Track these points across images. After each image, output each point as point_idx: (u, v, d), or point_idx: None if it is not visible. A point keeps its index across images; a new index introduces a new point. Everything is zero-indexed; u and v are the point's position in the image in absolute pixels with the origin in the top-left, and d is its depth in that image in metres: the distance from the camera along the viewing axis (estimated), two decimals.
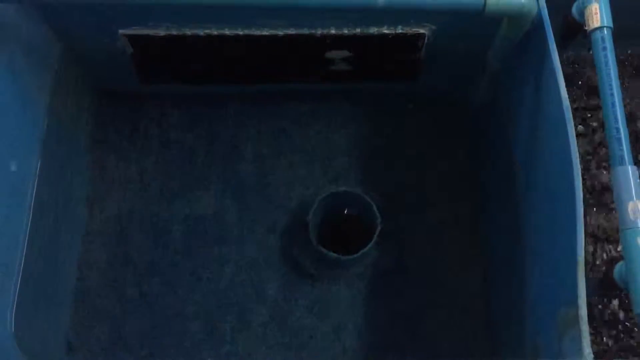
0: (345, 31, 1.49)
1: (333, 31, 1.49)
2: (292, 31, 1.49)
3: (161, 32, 1.47)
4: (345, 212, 1.65)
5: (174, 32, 1.47)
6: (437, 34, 1.49)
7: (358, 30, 1.49)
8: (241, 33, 1.48)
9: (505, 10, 1.15)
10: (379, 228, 1.55)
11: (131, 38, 1.49)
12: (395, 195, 1.70)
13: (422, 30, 1.48)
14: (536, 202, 1.29)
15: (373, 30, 1.49)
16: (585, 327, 0.98)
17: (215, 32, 1.48)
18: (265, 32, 1.49)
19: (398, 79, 1.68)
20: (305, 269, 1.63)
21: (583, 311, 0.98)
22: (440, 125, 1.76)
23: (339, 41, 1.52)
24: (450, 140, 1.75)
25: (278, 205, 1.70)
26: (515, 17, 1.18)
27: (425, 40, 1.51)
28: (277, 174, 1.73)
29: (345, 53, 1.57)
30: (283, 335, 1.60)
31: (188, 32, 1.48)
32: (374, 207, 1.58)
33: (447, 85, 1.69)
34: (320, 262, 1.62)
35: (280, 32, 1.49)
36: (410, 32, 1.49)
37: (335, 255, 1.53)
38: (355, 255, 1.53)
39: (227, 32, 1.48)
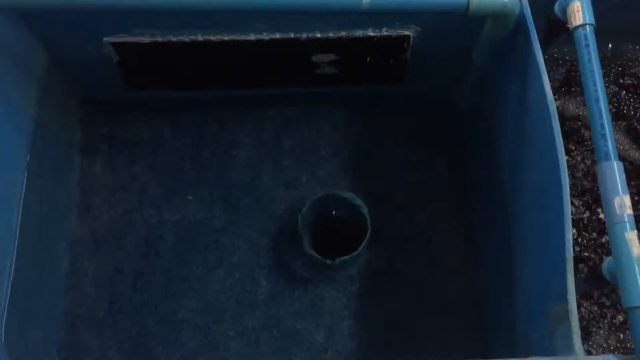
0: (331, 34, 1.49)
1: (318, 35, 1.49)
2: (277, 36, 1.49)
3: (146, 39, 1.47)
4: (334, 213, 1.64)
5: (159, 39, 1.47)
6: (423, 35, 1.49)
7: (343, 33, 1.49)
8: (227, 38, 1.48)
9: (488, 10, 1.16)
10: (369, 232, 1.55)
11: (116, 45, 1.49)
12: (386, 197, 1.70)
13: (407, 32, 1.49)
14: (524, 201, 1.30)
15: (358, 33, 1.49)
16: (575, 322, 0.98)
17: (200, 38, 1.48)
18: (250, 37, 1.49)
19: (385, 81, 1.68)
20: (297, 273, 1.63)
21: (573, 306, 0.99)
22: (430, 126, 1.76)
23: (324, 45, 1.52)
24: (440, 140, 1.75)
25: (269, 210, 1.70)
26: (498, 17, 1.19)
27: (411, 42, 1.52)
28: (267, 179, 1.73)
29: (331, 56, 1.57)
30: (277, 340, 1.60)
31: (173, 38, 1.47)
32: (364, 210, 1.58)
33: (434, 86, 1.70)
34: (312, 266, 1.62)
35: (266, 37, 1.49)
36: (396, 34, 1.49)
37: (325, 259, 1.53)
38: (345, 259, 1.53)
39: (212, 37, 1.48)
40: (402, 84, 1.68)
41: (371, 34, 1.50)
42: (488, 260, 1.58)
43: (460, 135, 1.74)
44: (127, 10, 1.39)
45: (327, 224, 1.70)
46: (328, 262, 1.53)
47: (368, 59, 1.58)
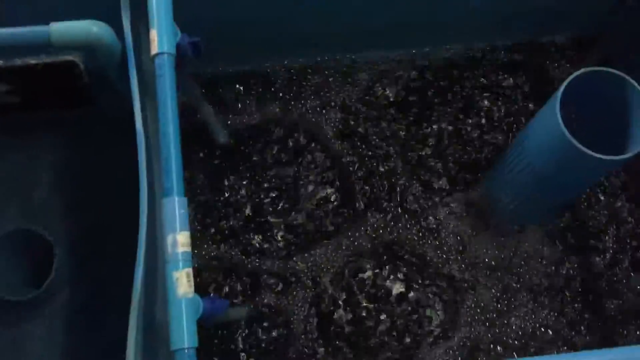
0: None
1: None
2: None
3: None
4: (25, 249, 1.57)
5: None
6: (89, 60, 1.44)
7: (1, 62, 1.42)
8: None
9: (72, 40, 1.12)
10: (54, 268, 1.50)
11: None
12: (96, 227, 1.65)
13: (70, 58, 1.44)
14: None
15: (18, 62, 1.43)
16: None
17: None
18: None
19: (75, 105, 1.61)
20: None
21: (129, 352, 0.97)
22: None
23: None
24: None
25: None
26: (91, 48, 1.15)
27: (82, 67, 1.46)
28: None
29: (4, 86, 1.50)
30: None
31: None
32: (56, 248, 1.52)
33: (122, 108, 1.64)
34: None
35: None
36: (59, 60, 1.44)
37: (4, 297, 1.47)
38: (30, 297, 1.47)
39: None
40: (94, 107, 1.62)
41: (32, 61, 1.43)
42: None
43: None
44: None
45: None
46: (6, 298, 1.47)
47: (45, 86, 1.52)
